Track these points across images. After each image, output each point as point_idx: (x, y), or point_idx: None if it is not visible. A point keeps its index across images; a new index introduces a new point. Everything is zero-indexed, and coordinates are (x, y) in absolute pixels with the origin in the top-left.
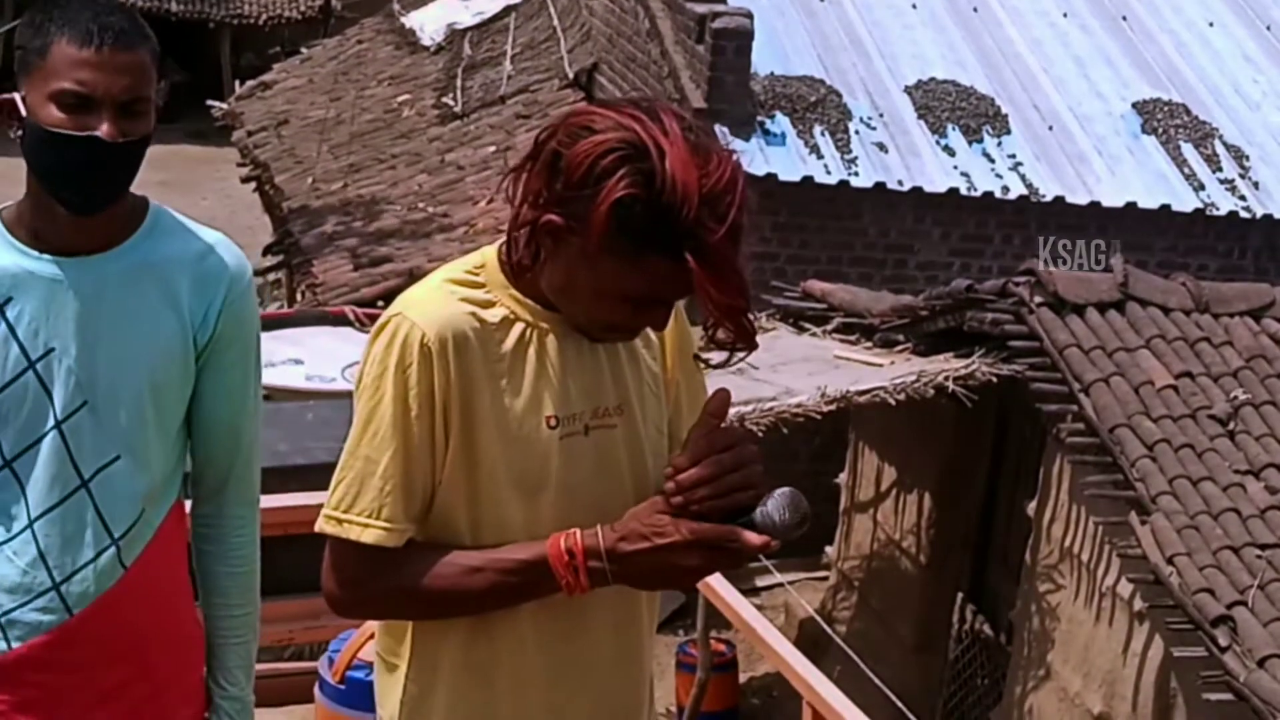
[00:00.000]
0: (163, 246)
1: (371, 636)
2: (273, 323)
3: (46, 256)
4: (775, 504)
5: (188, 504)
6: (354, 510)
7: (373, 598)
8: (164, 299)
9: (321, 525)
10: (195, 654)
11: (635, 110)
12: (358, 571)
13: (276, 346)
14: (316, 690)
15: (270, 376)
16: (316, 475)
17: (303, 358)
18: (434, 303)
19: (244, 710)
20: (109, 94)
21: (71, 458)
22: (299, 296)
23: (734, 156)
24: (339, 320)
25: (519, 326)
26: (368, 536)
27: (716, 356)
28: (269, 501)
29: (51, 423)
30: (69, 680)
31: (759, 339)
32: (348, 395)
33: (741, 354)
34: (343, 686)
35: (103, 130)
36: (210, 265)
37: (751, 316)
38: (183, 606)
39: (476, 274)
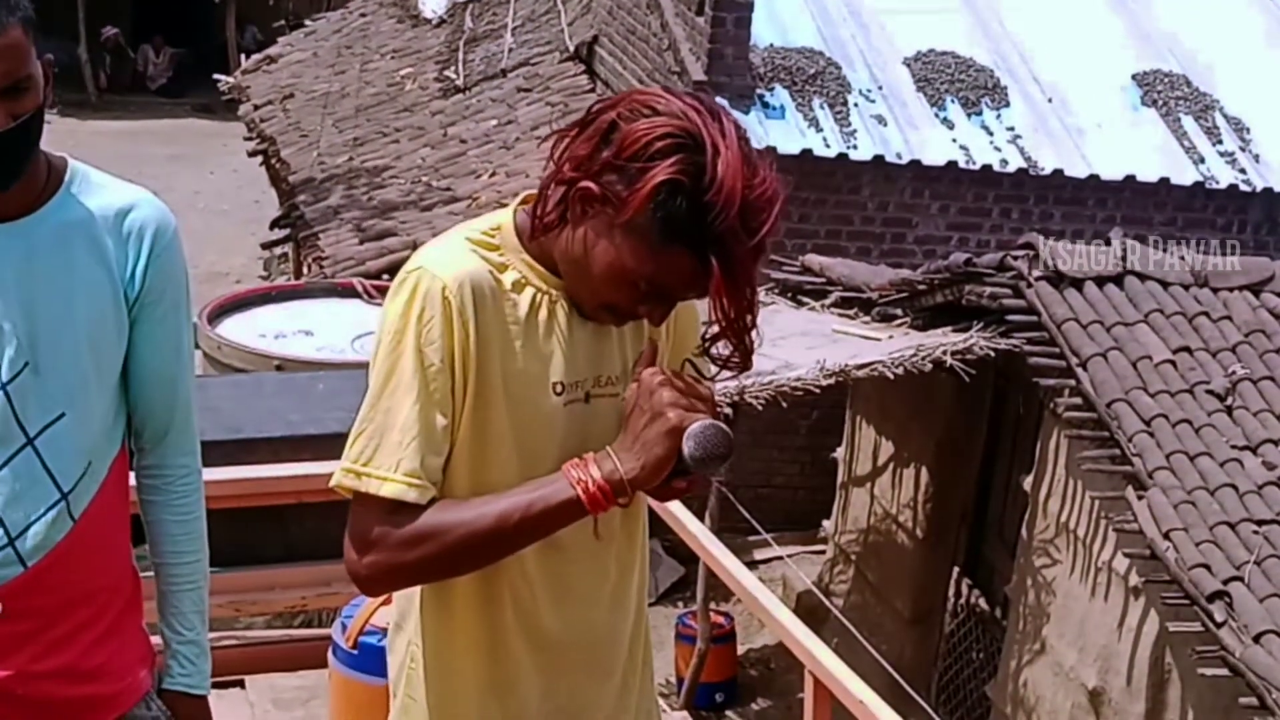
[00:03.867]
0: (86, 204)
1: (385, 602)
2: (282, 294)
3: None
4: (694, 441)
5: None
6: (373, 464)
7: (393, 555)
8: (93, 255)
9: (339, 479)
10: (137, 600)
11: (699, 105)
12: (377, 532)
13: (286, 318)
14: (330, 656)
15: (281, 347)
16: (328, 445)
17: (313, 329)
18: (454, 258)
19: (200, 654)
20: None
21: (17, 418)
22: (305, 269)
23: (780, 181)
24: (348, 292)
25: (530, 291)
26: (387, 490)
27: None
28: (283, 470)
29: None
30: (25, 628)
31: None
32: (358, 366)
33: (734, 372)
34: (356, 652)
35: None
36: (134, 221)
37: (754, 337)
38: (125, 555)
39: (493, 236)
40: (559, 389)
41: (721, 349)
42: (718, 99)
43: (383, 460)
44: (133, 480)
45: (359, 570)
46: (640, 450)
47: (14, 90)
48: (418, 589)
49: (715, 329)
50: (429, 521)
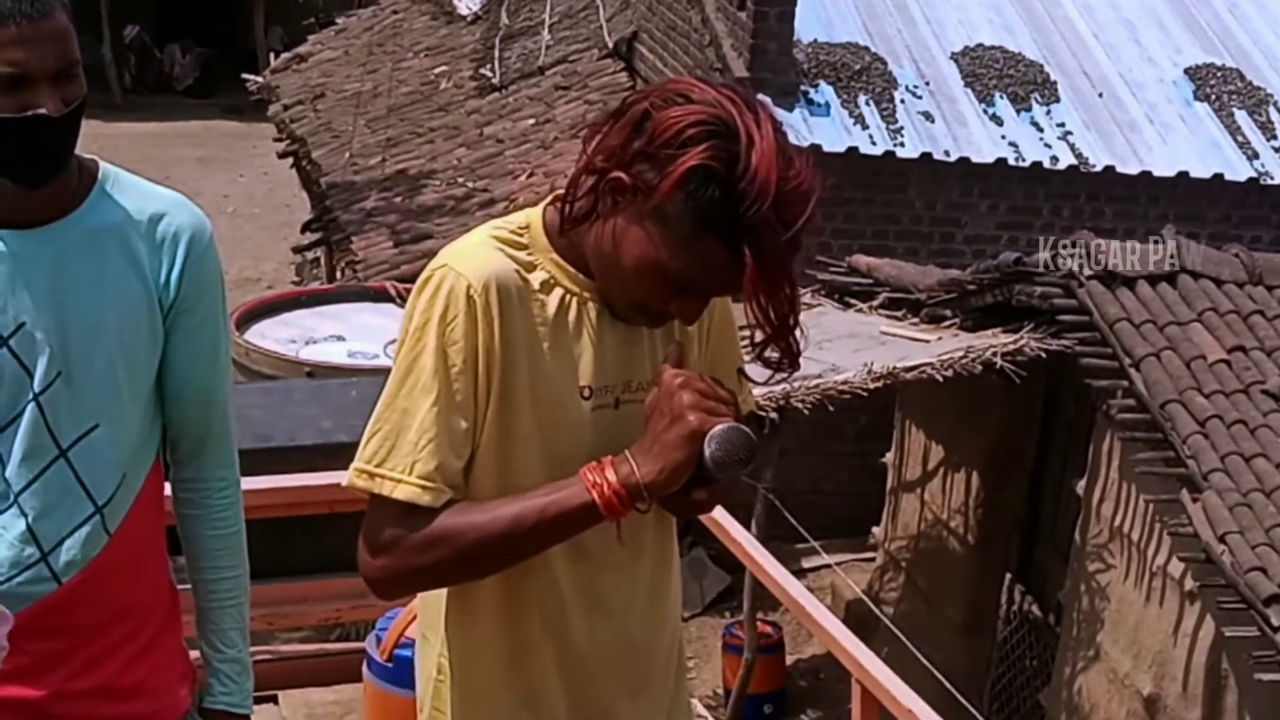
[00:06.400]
0: (118, 208)
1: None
2: (314, 299)
3: (2, 232)
4: (716, 443)
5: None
6: (386, 465)
7: (406, 559)
8: (126, 261)
9: (351, 479)
10: (175, 615)
11: (734, 94)
12: (390, 535)
13: (318, 323)
14: (365, 669)
15: (313, 353)
16: None
17: (345, 334)
18: (481, 256)
19: (242, 671)
20: (43, 68)
21: (49, 429)
22: (338, 274)
23: (816, 175)
24: (380, 296)
25: (559, 291)
26: (400, 493)
27: (759, 372)
28: (314, 480)
29: (29, 396)
30: (60, 646)
31: (803, 315)
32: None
33: (785, 373)
34: (390, 665)
35: (47, 107)
36: (167, 226)
37: (799, 337)
38: (163, 569)
39: (520, 234)
40: (587, 393)
41: (770, 353)
42: (760, 96)
43: (397, 462)
44: (168, 491)
45: (372, 573)
46: (659, 454)
47: (66, 74)
48: (443, 600)
49: (761, 334)
50: (443, 525)
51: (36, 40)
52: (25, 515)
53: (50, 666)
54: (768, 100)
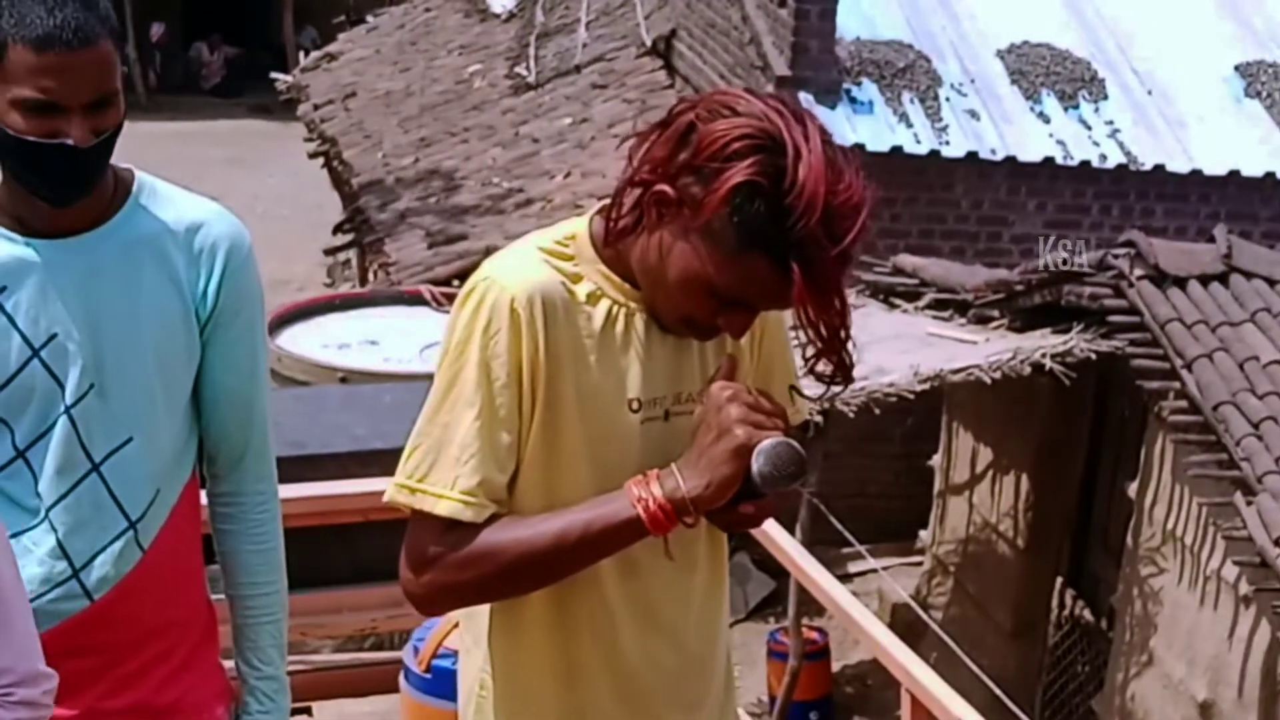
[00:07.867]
0: (154, 219)
1: (458, 625)
2: (347, 303)
3: (36, 241)
4: (764, 457)
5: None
6: (429, 480)
7: (449, 575)
8: (161, 272)
9: (392, 495)
10: (212, 632)
11: (782, 106)
12: (433, 552)
13: (351, 327)
14: (401, 680)
15: (346, 359)
16: (395, 460)
17: (379, 339)
18: (525, 268)
19: (280, 689)
20: (76, 99)
21: (82, 443)
22: (371, 276)
23: (867, 187)
24: (415, 300)
25: (606, 303)
26: (442, 508)
27: (812, 385)
28: (348, 487)
29: (61, 409)
30: (93, 664)
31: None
32: (426, 377)
33: (839, 388)
34: (428, 676)
35: (74, 137)
36: (205, 237)
37: (852, 351)
38: (199, 585)
39: (566, 245)
40: (636, 406)
41: (823, 367)
42: (802, 95)
43: (439, 477)
44: (203, 499)
45: (415, 590)
46: (706, 468)
47: (100, 105)
48: (486, 614)
49: (812, 348)
50: (486, 541)
51: (73, 70)
52: (56, 530)
53: (83, 685)
54: (811, 104)
